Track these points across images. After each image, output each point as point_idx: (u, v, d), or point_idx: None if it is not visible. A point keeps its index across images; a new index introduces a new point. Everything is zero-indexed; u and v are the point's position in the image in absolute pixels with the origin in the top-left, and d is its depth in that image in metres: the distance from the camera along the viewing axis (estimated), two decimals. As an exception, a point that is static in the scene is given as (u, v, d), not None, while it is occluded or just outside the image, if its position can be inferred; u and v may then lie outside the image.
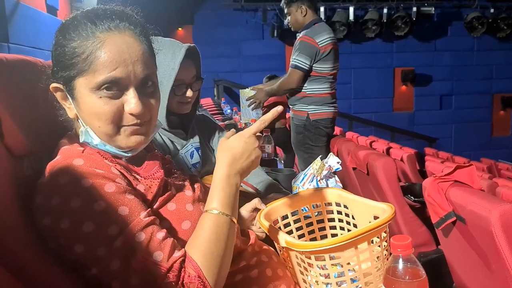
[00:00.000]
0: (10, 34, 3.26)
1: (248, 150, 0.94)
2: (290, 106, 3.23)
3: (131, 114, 0.89)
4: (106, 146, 0.92)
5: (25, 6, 3.55)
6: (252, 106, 3.07)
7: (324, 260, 0.92)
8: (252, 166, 0.95)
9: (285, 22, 3.32)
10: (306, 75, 3.05)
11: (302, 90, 3.10)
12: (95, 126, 0.90)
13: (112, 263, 0.79)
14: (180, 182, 1.01)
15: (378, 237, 0.95)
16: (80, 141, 0.92)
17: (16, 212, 0.83)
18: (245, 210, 1.24)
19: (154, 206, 0.91)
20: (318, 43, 2.95)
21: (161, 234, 0.84)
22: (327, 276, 0.95)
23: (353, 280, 0.94)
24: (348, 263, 0.94)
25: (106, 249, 0.79)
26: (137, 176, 0.93)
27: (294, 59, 3.02)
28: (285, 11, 3.18)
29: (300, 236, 1.19)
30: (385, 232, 0.95)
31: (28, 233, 0.83)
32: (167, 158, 1.11)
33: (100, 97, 0.87)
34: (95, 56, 0.85)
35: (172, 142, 1.55)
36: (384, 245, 0.96)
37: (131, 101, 0.88)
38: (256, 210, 1.22)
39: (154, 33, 0.98)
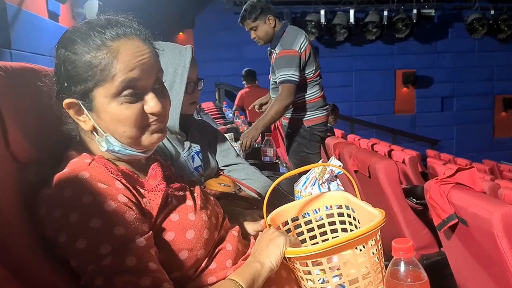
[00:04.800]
0: (12, 40, 3.28)
1: (268, 239, 1.01)
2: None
3: (152, 114, 0.93)
4: (127, 150, 0.95)
5: (26, 13, 3.57)
6: (247, 147, 2.76)
7: (308, 265, 0.94)
8: (274, 247, 0.99)
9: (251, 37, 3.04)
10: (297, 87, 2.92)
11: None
12: (120, 131, 0.92)
13: (96, 278, 0.80)
14: (181, 193, 1.02)
15: (364, 246, 0.94)
16: (104, 150, 0.94)
17: (21, 218, 0.84)
18: (251, 229, 1.23)
19: (158, 220, 0.93)
20: (299, 51, 2.85)
21: (153, 264, 0.84)
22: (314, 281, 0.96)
23: (342, 286, 0.95)
24: (338, 269, 0.94)
25: (94, 266, 0.80)
26: (141, 190, 0.94)
27: (282, 75, 2.84)
28: (249, 26, 2.99)
29: (312, 237, 1.20)
30: (373, 240, 0.94)
31: (33, 238, 0.84)
32: (166, 165, 1.12)
33: (122, 103, 0.90)
34: (112, 64, 0.87)
35: (173, 145, 1.56)
36: (374, 252, 0.95)
37: (150, 101, 0.92)
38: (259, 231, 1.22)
39: (153, 38, 1.00)
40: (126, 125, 0.91)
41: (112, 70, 0.87)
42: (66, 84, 0.91)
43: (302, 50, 2.85)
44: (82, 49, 0.88)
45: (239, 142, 2.78)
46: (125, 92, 0.89)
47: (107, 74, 0.87)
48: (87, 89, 0.89)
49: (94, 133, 0.95)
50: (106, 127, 0.92)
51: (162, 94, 0.97)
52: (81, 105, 0.91)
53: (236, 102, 6.31)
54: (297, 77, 2.83)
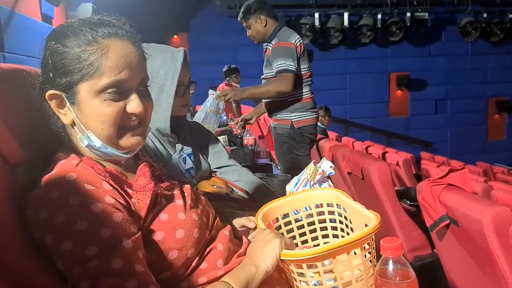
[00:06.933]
0: (5, 43, 3.27)
1: (263, 242, 0.99)
2: (271, 116, 3.10)
3: (133, 113, 0.94)
4: (107, 148, 0.95)
5: (20, 15, 3.56)
6: (219, 99, 2.72)
7: (303, 268, 0.94)
8: (270, 249, 0.98)
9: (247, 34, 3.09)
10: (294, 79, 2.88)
11: (283, 97, 2.93)
12: (97, 129, 0.92)
13: (82, 281, 0.79)
14: (170, 192, 1.02)
15: (360, 249, 0.94)
16: (84, 146, 0.95)
17: (11, 220, 0.84)
18: (238, 224, 1.23)
19: (148, 220, 0.93)
20: (295, 43, 2.88)
21: (140, 267, 0.84)
22: (307, 283, 0.96)
23: None
24: (331, 271, 0.94)
25: (80, 268, 0.80)
26: (129, 190, 0.94)
27: (279, 64, 2.82)
28: (244, 24, 3.07)
29: (301, 235, 1.20)
30: (368, 243, 0.94)
31: (25, 240, 0.84)
32: (157, 165, 1.12)
33: (105, 100, 0.91)
34: (101, 61, 0.89)
35: (164, 147, 1.56)
36: (367, 255, 0.95)
37: (133, 102, 0.93)
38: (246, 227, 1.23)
39: (144, 41, 1.01)
40: (105, 123, 0.92)
41: (100, 67, 0.89)
42: (51, 75, 0.92)
43: (298, 44, 2.89)
44: (72, 43, 0.90)
45: (223, 92, 2.77)
46: (110, 90, 0.90)
47: (95, 69, 0.89)
48: (72, 82, 0.90)
49: (75, 128, 0.95)
50: (86, 123, 0.93)
51: (146, 97, 0.98)
52: (64, 97, 0.92)
53: None
54: (295, 68, 2.84)
